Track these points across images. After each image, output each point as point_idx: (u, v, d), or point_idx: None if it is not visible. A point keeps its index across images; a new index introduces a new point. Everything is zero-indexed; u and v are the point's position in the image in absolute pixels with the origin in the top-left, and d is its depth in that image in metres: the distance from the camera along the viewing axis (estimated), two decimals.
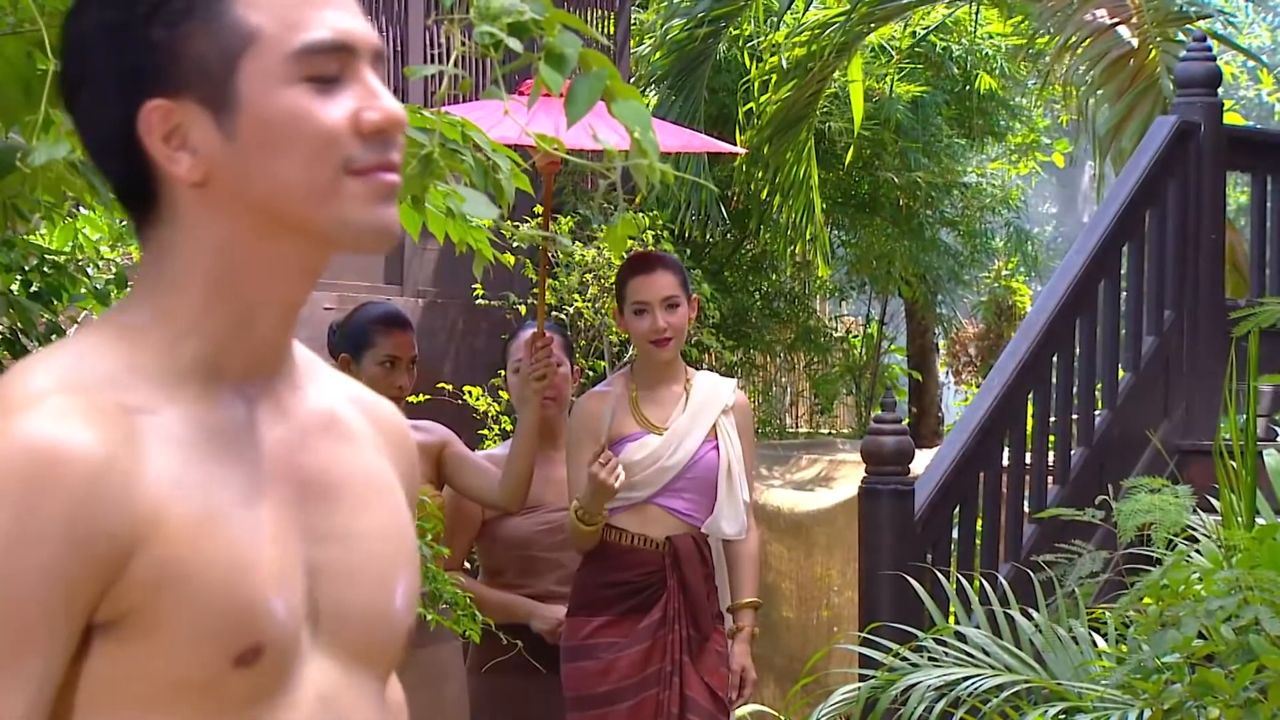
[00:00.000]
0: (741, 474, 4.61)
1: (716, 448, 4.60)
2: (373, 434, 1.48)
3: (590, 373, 7.50)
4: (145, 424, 1.31)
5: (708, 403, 4.61)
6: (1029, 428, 5.66)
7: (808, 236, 9.21)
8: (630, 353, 6.28)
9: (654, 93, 9.36)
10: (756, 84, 9.31)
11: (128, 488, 1.28)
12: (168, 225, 1.37)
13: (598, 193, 8.55)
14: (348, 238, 1.36)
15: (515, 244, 7.56)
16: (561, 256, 7.24)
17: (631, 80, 9.45)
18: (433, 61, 8.26)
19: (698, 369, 4.88)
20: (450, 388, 7.37)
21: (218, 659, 1.30)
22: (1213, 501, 4.46)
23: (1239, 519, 4.11)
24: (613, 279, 6.06)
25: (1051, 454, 5.69)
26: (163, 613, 1.29)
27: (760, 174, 9.26)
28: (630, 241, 7.17)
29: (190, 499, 1.31)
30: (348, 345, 4.53)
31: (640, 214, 7.73)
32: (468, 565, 5.06)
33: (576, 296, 7.33)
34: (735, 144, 8.85)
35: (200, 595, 1.30)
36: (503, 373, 5.09)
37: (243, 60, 1.34)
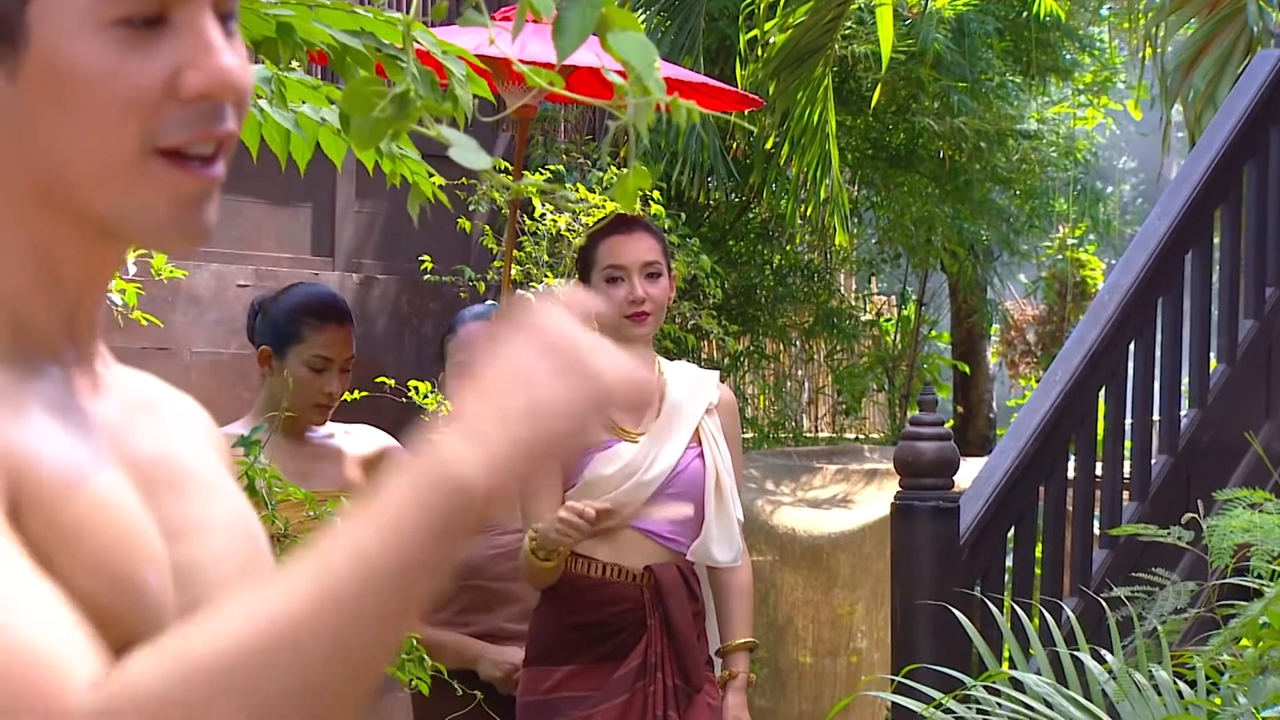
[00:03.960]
0: (732, 487, 4.62)
1: (701, 455, 4.60)
2: (191, 424, 1.50)
3: None
4: None
5: (688, 401, 4.62)
6: (1100, 431, 5.69)
7: (822, 197, 9.16)
8: None
9: (642, 19, 9.37)
10: (762, 6, 9.27)
11: None
12: None
13: (604, 138, 8.55)
14: (138, 235, 1.34)
15: (472, 207, 7.57)
16: (529, 224, 7.25)
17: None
18: None
19: (699, 363, 4.89)
20: (392, 383, 7.38)
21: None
22: None
23: None
24: None
25: (1128, 463, 5.71)
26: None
27: (765, 119, 9.22)
28: (607, 204, 7.18)
29: (56, 455, 1.28)
30: (270, 335, 4.52)
31: (624, 170, 7.74)
32: None
33: (548, 272, 7.34)
34: (736, 82, 8.84)
35: (87, 566, 1.27)
36: None
37: None
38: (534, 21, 1.60)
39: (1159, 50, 7.86)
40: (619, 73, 1.44)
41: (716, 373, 4.83)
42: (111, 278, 1.40)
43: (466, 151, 1.47)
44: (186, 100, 1.30)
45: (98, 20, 1.29)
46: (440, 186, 3.04)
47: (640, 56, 1.42)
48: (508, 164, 7.46)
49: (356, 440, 4.63)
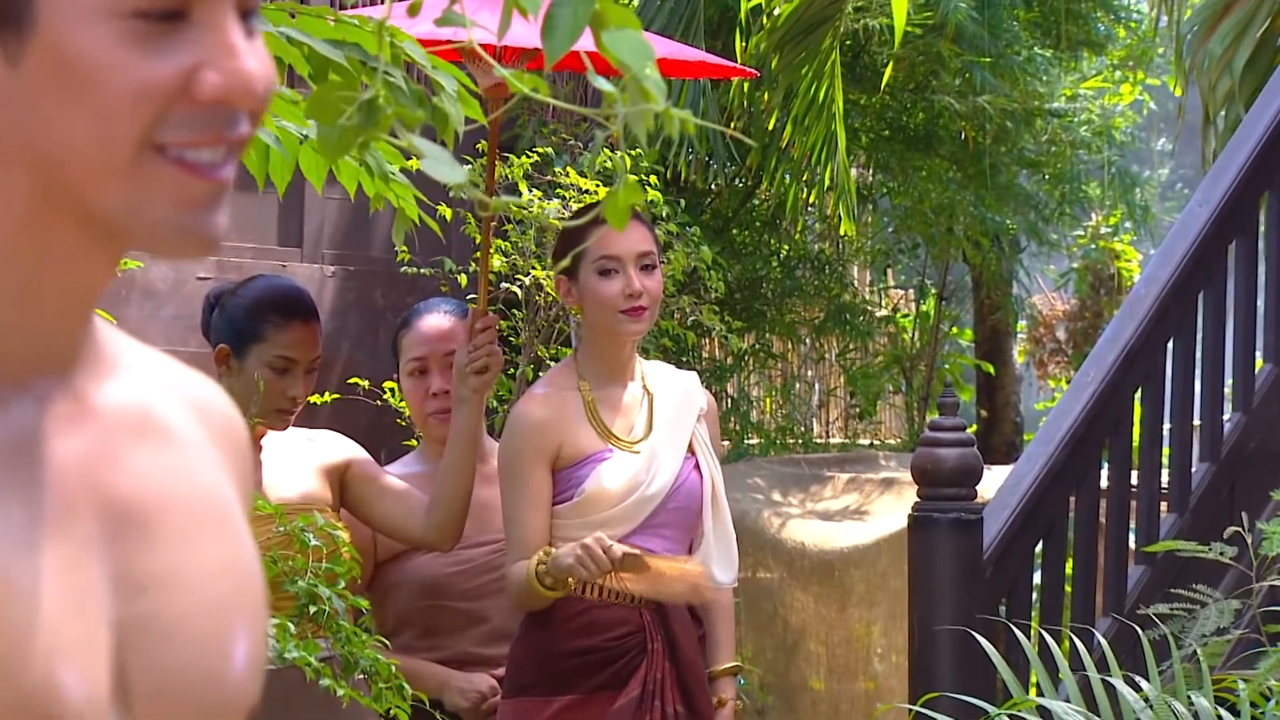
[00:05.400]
0: (725, 501, 4.63)
1: (698, 467, 4.61)
2: (204, 436, 1.48)
3: (552, 363, 7.51)
4: None
5: (680, 407, 4.62)
6: (1136, 437, 5.69)
7: (826, 182, 9.13)
8: None
9: None
10: None
11: None
12: None
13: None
14: (143, 236, 1.34)
15: (452, 194, 7.56)
16: (513, 211, 7.25)
17: None
18: None
19: (700, 363, 4.89)
20: (366, 384, 7.38)
21: None
22: None
23: None
24: None
25: (1166, 471, 5.71)
26: None
27: (767, 95, 9.19)
28: (600, 189, 7.18)
29: None
30: (228, 333, 4.51)
31: (618, 153, 7.74)
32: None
33: (535, 263, 7.34)
34: (735, 56, 8.83)
35: None
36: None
37: None
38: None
39: (1178, 15, 7.85)
40: (603, 64, 1.44)
41: (695, 374, 4.83)
42: (100, 296, 1.40)
43: (439, 164, 1.47)
44: (201, 103, 1.32)
45: (113, 10, 1.30)
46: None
47: (637, 57, 1.41)
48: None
49: (320, 448, 4.61)
